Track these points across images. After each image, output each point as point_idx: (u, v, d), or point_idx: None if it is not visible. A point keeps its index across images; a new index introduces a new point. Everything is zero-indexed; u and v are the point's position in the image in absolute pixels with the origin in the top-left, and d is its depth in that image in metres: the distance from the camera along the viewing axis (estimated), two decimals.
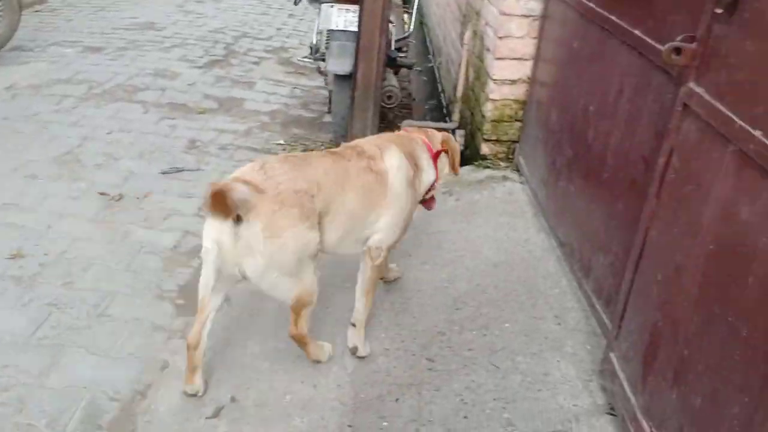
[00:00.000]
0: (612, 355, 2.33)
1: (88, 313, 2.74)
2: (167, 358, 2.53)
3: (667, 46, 1.97)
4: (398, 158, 2.51)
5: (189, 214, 3.56)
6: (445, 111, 5.24)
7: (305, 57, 5.13)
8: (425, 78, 6.25)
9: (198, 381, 2.32)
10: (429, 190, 2.72)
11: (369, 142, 2.59)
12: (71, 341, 2.57)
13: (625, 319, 2.26)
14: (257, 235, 2.06)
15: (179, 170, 4.07)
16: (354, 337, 2.56)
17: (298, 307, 2.29)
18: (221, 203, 1.98)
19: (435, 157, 2.71)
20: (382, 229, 2.48)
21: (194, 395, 2.32)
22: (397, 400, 2.33)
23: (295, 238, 2.13)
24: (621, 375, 2.24)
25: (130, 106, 5.08)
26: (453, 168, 2.81)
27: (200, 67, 6.16)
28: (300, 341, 2.39)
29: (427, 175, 2.68)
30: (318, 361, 2.50)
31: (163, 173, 4.02)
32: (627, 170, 2.52)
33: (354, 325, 2.56)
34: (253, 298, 2.85)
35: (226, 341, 2.62)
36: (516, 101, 3.98)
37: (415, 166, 2.58)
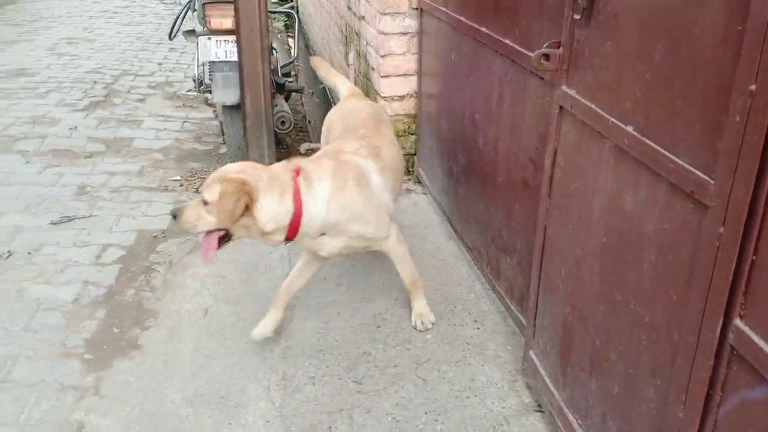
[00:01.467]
0: (531, 353, 2.41)
1: None
2: (82, 419, 2.39)
3: (535, 53, 2.06)
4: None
5: (86, 264, 3.39)
6: None
7: (189, 90, 5.02)
8: (318, 100, 6.27)
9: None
10: None
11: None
12: None
13: (538, 315, 2.34)
14: None
15: (71, 219, 3.88)
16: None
17: None
18: None
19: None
20: None
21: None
22: (329, 428, 2.31)
23: None
24: (542, 371, 2.32)
25: (9, 158, 4.78)
26: None
27: (81, 110, 5.89)
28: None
29: None
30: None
31: (54, 224, 3.82)
32: (518, 173, 2.62)
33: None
34: (166, 344, 2.75)
35: (141, 393, 2.50)
36: (407, 116, 4.07)
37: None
